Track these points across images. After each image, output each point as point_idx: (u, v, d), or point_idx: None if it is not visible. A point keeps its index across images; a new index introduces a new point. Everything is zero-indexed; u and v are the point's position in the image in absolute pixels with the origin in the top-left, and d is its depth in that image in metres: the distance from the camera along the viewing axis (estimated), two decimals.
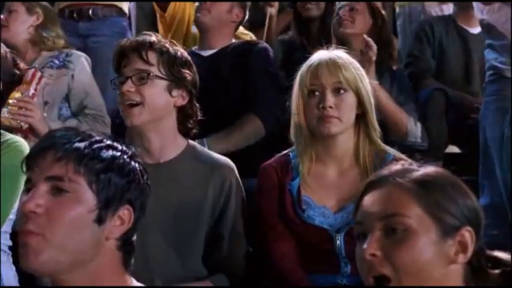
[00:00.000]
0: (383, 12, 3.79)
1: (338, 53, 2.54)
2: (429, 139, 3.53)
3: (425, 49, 4.07)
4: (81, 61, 3.42)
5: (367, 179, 2.34)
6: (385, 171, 1.57)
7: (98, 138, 1.53)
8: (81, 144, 1.49)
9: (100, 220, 1.48)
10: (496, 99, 3.39)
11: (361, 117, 2.50)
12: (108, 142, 1.54)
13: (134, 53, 2.45)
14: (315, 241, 2.45)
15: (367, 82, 2.52)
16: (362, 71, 2.54)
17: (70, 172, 1.47)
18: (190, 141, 2.57)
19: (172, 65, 2.47)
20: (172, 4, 4.30)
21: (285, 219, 2.49)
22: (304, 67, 2.53)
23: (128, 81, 2.42)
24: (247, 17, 3.62)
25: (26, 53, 3.44)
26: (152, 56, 2.45)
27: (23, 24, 3.47)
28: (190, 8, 4.22)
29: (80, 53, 3.51)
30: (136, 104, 2.42)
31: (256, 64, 3.28)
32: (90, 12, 4.03)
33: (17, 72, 2.79)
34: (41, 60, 3.44)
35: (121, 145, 1.56)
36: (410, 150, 3.12)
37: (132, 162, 1.55)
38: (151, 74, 2.43)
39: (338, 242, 2.42)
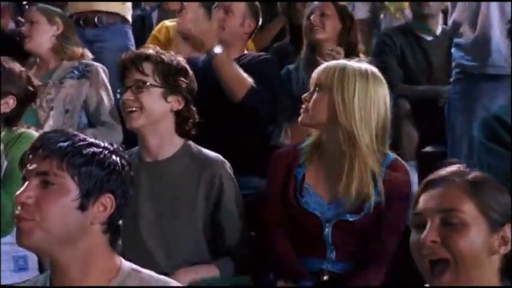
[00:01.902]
0: (352, 15, 3.89)
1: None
2: (400, 141, 3.75)
3: (390, 58, 4.26)
4: (99, 72, 3.63)
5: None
6: (442, 172, 1.77)
7: (81, 137, 1.73)
8: (64, 144, 1.69)
9: (83, 207, 1.68)
10: (462, 97, 3.58)
11: None
12: (91, 140, 1.74)
13: (132, 65, 2.69)
14: (307, 225, 2.64)
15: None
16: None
17: (54, 167, 1.67)
18: (187, 141, 2.75)
19: (167, 74, 2.69)
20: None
21: (285, 201, 2.68)
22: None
23: (128, 91, 2.67)
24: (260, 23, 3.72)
25: (48, 62, 3.68)
26: (148, 67, 2.68)
27: (45, 34, 3.68)
28: None
29: (98, 64, 3.71)
30: (135, 110, 2.65)
31: (262, 78, 3.41)
32: (96, 19, 4.23)
33: (31, 89, 2.98)
34: (61, 70, 3.65)
35: (104, 143, 1.75)
36: None
37: (113, 157, 1.73)
38: (147, 83, 2.66)
39: (327, 229, 2.61)
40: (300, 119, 2.66)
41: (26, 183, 1.68)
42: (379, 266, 2.58)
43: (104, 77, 3.65)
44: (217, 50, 3.25)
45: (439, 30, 4.36)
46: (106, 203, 1.72)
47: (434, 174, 1.78)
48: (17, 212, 1.67)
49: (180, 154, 2.73)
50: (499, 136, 2.69)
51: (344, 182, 2.59)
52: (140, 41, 4.60)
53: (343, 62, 2.69)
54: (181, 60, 2.80)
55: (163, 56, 2.72)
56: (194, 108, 2.77)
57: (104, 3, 4.25)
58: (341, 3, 3.85)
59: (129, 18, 4.42)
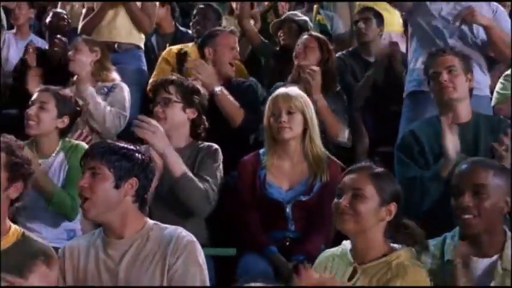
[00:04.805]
0: (330, 47, 4.53)
1: (292, 88, 3.59)
2: (356, 145, 4.51)
3: (348, 77, 4.93)
4: (123, 89, 4.38)
5: (314, 167, 3.51)
6: (359, 165, 2.71)
7: (116, 144, 2.67)
8: (104, 149, 2.64)
9: (117, 187, 2.57)
10: (408, 110, 4.11)
11: (307, 131, 3.50)
12: (121, 145, 2.61)
13: (161, 88, 3.59)
14: (273, 208, 3.45)
15: (311, 108, 3.52)
16: (307, 100, 3.54)
17: (97, 164, 2.57)
18: (193, 140, 3.56)
19: (185, 93, 3.56)
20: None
21: (255, 195, 3.48)
22: (270, 97, 3.58)
23: (157, 105, 3.56)
24: None
25: (86, 81, 4.30)
26: (172, 89, 3.56)
27: (87, 59, 4.34)
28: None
29: (123, 84, 4.42)
30: (163, 119, 3.49)
31: (248, 102, 4.20)
32: (116, 46, 4.97)
33: (78, 109, 3.74)
34: (96, 89, 4.31)
35: (131, 146, 2.64)
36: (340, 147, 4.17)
37: (136, 154, 2.61)
38: (171, 100, 3.55)
39: (287, 209, 3.45)
40: (283, 134, 3.46)
41: (84, 175, 2.60)
42: (321, 233, 3.38)
43: (126, 94, 4.37)
44: (217, 89, 4.09)
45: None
46: (133, 183, 2.60)
47: (354, 166, 2.75)
48: (80, 193, 2.61)
49: (189, 144, 3.58)
50: (411, 148, 3.45)
51: (307, 169, 3.48)
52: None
53: (296, 90, 3.56)
54: (196, 83, 3.69)
55: (182, 81, 3.61)
56: (205, 117, 3.61)
57: (124, 35, 5.00)
58: (323, 38, 4.57)
59: (142, 46, 5.15)
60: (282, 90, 3.59)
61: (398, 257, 2.61)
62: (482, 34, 4.04)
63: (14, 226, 2.74)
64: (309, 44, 4.51)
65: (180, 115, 3.56)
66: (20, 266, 2.47)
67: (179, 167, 3.35)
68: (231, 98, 4.16)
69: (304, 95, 3.60)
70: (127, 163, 2.59)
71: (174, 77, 3.66)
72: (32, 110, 3.61)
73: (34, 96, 3.69)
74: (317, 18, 5.94)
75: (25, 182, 2.69)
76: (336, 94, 4.49)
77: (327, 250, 2.84)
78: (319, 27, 5.75)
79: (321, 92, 4.25)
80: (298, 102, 3.52)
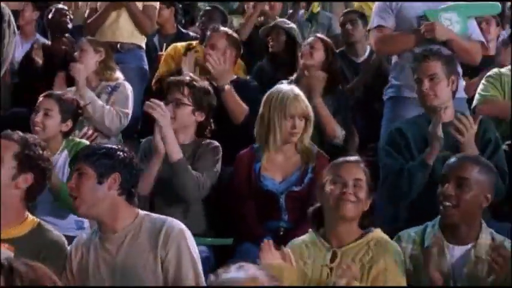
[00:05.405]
0: (334, 50, 4.69)
1: (299, 92, 3.71)
2: (347, 143, 4.60)
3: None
4: (126, 88, 4.54)
5: (305, 159, 3.72)
6: (351, 158, 2.96)
7: (99, 146, 2.90)
8: (88, 152, 2.81)
9: (100, 182, 2.74)
10: (389, 111, 4.21)
11: (305, 131, 3.69)
12: (103, 146, 2.83)
13: (175, 87, 3.70)
14: (268, 199, 3.62)
15: (310, 108, 3.71)
16: (308, 103, 3.71)
17: (82, 165, 2.76)
18: (197, 138, 3.71)
19: (197, 96, 3.67)
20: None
21: (251, 188, 3.65)
22: (279, 96, 3.69)
23: (169, 105, 3.63)
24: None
25: (91, 81, 4.49)
26: (186, 90, 3.67)
27: (91, 60, 4.49)
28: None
29: (126, 83, 4.55)
30: (172, 117, 3.57)
31: (248, 101, 4.28)
32: (118, 46, 5.15)
33: (80, 111, 3.92)
34: (100, 88, 4.50)
35: (114, 146, 2.83)
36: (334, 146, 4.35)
37: (118, 152, 2.79)
38: (183, 102, 3.67)
39: (281, 200, 3.63)
40: (293, 139, 3.66)
41: (72, 176, 2.82)
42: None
43: (129, 93, 4.50)
44: (227, 86, 4.22)
45: (367, 52, 5.28)
46: (115, 178, 2.77)
47: (346, 159, 3.00)
48: (69, 191, 2.84)
49: (192, 142, 3.72)
50: (398, 144, 3.62)
51: (299, 161, 3.68)
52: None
53: (302, 95, 3.73)
54: (207, 84, 3.84)
55: (195, 83, 3.71)
56: (211, 120, 3.76)
57: (126, 35, 5.19)
58: (329, 40, 4.74)
59: (143, 46, 5.34)
60: (291, 94, 3.74)
61: (373, 237, 2.89)
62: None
63: (31, 216, 2.92)
64: (315, 45, 4.68)
65: (188, 117, 3.69)
66: (33, 254, 2.60)
67: (177, 152, 3.54)
68: (237, 96, 4.28)
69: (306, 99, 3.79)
70: (108, 161, 2.79)
71: (188, 79, 3.76)
72: (37, 117, 3.79)
73: (38, 102, 3.86)
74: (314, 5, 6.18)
75: (37, 176, 2.87)
76: (339, 94, 4.67)
77: (294, 239, 3.03)
78: (310, 16, 5.95)
79: (324, 92, 4.44)
80: (306, 107, 3.72)
